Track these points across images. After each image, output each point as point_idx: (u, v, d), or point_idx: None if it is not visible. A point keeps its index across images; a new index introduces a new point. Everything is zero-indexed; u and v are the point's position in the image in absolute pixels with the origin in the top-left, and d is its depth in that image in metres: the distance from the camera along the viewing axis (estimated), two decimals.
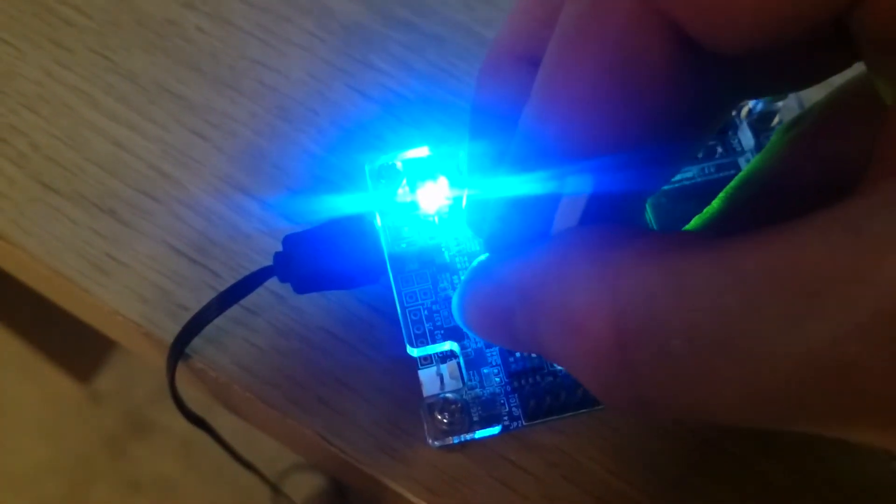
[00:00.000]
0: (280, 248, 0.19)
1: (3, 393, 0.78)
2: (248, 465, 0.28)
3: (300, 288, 0.19)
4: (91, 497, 0.75)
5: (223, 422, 0.24)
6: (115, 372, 0.78)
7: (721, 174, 0.20)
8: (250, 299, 0.20)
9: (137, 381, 0.77)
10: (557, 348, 0.11)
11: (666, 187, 0.20)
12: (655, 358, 0.10)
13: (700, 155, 0.20)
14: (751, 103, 0.20)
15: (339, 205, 0.21)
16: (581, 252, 0.11)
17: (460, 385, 0.18)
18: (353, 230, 0.19)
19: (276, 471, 0.59)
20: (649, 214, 0.20)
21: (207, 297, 0.20)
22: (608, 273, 0.10)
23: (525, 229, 0.13)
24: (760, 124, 0.21)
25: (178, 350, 0.19)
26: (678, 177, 0.20)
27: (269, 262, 0.20)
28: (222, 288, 0.20)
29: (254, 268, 0.20)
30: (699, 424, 0.19)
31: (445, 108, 0.23)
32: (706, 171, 0.20)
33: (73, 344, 0.74)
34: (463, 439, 0.18)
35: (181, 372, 0.20)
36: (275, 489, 0.45)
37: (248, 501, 0.71)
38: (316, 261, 0.18)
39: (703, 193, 0.20)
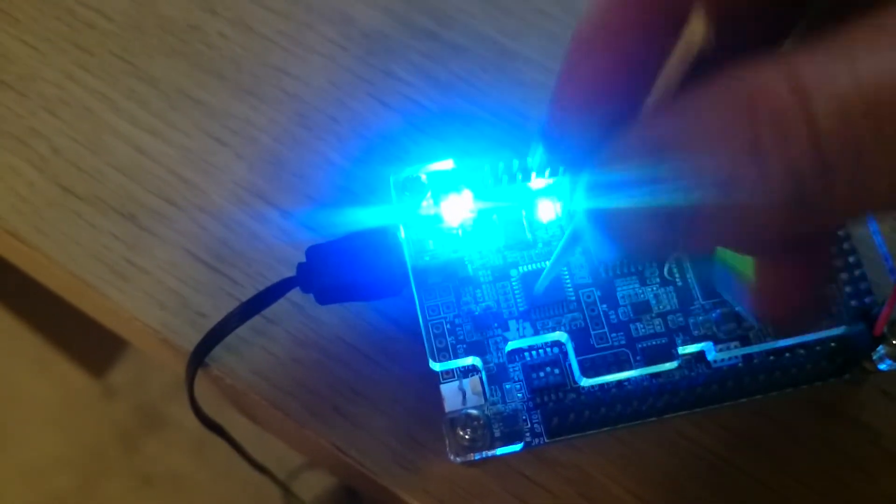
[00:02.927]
0: (300, 257, 0.19)
1: (17, 386, 0.78)
2: (261, 469, 0.28)
3: (323, 299, 0.19)
4: (103, 491, 0.76)
5: (235, 420, 0.23)
6: (129, 367, 0.79)
7: None
8: (270, 308, 0.20)
9: (151, 377, 0.78)
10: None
11: None
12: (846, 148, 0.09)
13: None
14: None
15: (361, 216, 0.21)
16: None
17: (483, 401, 0.18)
18: (377, 242, 0.19)
19: (286, 469, 0.59)
20: None
21: (226, 304, 0.20)
22: (783, 66, 0.10)
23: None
24: None
25: (199, 359, 0.19)
26: None
27: (288, 271, 0.19)
28: (241, 296, 0.20)
29: (273, 276, 0.20)
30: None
31: (466, 118, 0.22)
32: None
33: (87, 338, 0.75)
34: (484, 455, 0.18)
35: (203, 378, 0.20)
36: (286, 490, 0.45)
37: (260, 498, 0.71)
38: (339, 272, 0.18)
39: None
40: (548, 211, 0.20)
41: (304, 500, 0.50)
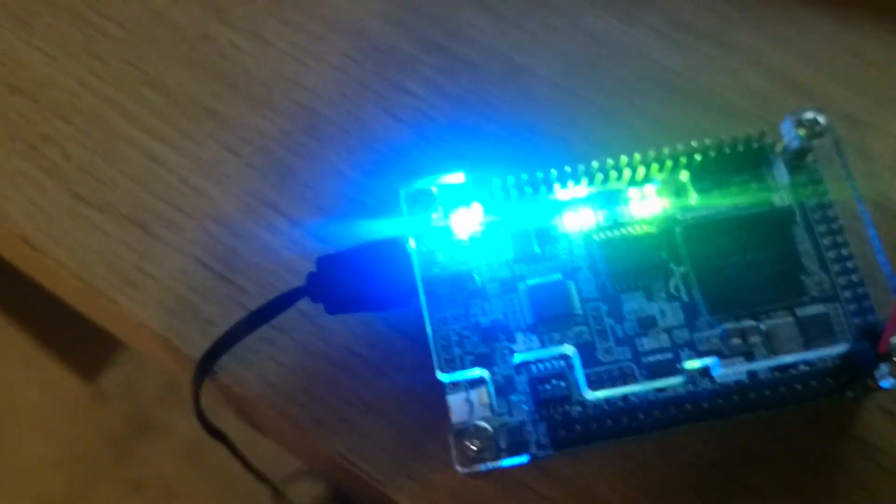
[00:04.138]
0: (310, 267, 0.19)
1: (8, 390, 0.78)
2: (260, 476, 0.28)
3: (332, 309, 0.19)
4: (94, 496, 0.75)
5: (227, 426, 0.23)
6: (121, 371, 0.78)
7: (754, 210, 0.20)
8: (278, 318, 0.20)
9: (143, 382, 0.77)
10: None
11: (700, 221, 0.20)
12: None
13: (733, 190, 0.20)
14: (785, 139, 0.20)
15: (371, 228, 0.21)
16: None
17: (490, 412, 0.18)
18: (386, 253, 0.19)
19: (279, 476, 0.59)
20: (681, 246, 0.20)
21: (235, 313, 0.20)
22: None
23: None
24: (795, 161, 0.21)
25: (206, 367, 0.19)
26: (712, 209, 0.20)
27: (297, 280, 0.20)
28: (250, 304, 0.20)
29: (283, 286, 0.20)
30: None
31: (476, 133, 0.23)
32: (740, 205, 0.20)
33: (79, 342, 0.74)
34: (490, 467, 0.18)
35: (209, 386, 0.20)
36: (280, 495, 0.45)
37: (251, 503, 0.71)
38: (350, 282, 0.19)
39: (736, 228, 0.20)
40: (556, 225, 0.20)
41: None
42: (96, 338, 0.73)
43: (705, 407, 0.18)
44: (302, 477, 0.62)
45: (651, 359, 0.19)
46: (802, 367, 0.19)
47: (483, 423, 0.18)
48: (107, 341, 0.77)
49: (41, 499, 0.75)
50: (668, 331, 0.19)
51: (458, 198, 0.20)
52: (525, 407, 0.19)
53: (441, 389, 0.19)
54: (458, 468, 0.18)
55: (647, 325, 0.19)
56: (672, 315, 0.19)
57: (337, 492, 0.67)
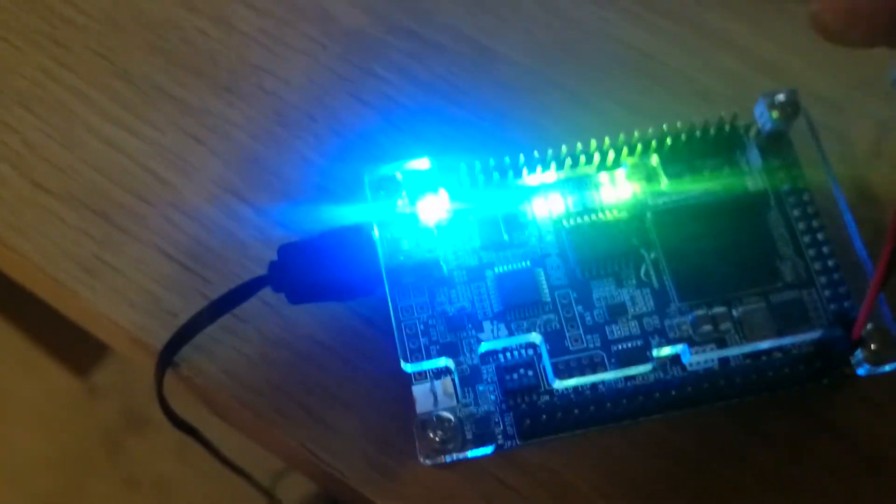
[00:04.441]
0: (275, 256, 0.19)
1: (0, 386, 0.78)
2: (238, 471, 0.27)
3: (294, 298, 0.19)
4: (87, 492, 0.75)
5: (217, 424, 0.23)
6: (113, 367, 0.78)
7: (727, 195, 0.20)
8: (241, 307, 0.19)
9: (136, 377, 0.77)
10: None
11: (671, 206, 0.19)
12: None
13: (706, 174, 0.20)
14: (759, 122, 0.20)
15: (336, 214, 0.21)
16: None
17: (454, 402, 0.18)
18: (350, 241, 0.18)
19: (269, 473, 0.58)
20: (652, 232, 0.19)
21: (198, 304, 0.20)
22: None
23: None
24: (769, 144, 0.20)
25: (167, 358, 0.19)
26: (684, 194, 0.20)
27: (262, 270, 0.19)
28: (213, 295, 0.20)
29: (247, 276, 0.20)
30: None
31: (447, 118, 0.22)
32: (712, 190, 0.20)
33: (71, 338, 0.74)
34: (455, 458, 0.18)
35: (172, 377, 0.20)
36: (266, 493, 0.45)
37: (244, 501, 0.71)
38: (311, 272, 0.18)
39: (709, 213, 0.19)
40: (524, 211, 0.20)
41: (286, 502, 0.49)
42: (87, 334, 0.73)
43: (675, 395, 0.18)
44: (294, 475, 0.62)
45: (621, 346, 0.18)
46: (776, 355, 0.19)
47: (447, 414, 0.18)
48: (98, 337, 0.77)
49: (34, 496, 0.74)
50: (639, 318, 0.19)
51: (423, 184, 0.19)
52: (492, 397, 0.18)
53: (406, 380, 0.19)
54: (422, 459, 0.18)
55: (616, 312, 0.19)
56: (642, 302, 0.19)
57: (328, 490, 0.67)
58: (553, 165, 0.19)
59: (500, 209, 0.20)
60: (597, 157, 0.19)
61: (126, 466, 0.75)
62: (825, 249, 0.19)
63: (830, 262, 0.19)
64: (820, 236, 0.19)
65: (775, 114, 0.20)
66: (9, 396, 0.77)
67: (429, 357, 0.18)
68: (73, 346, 0.75)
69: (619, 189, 0.20)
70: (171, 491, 0.74)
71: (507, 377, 0.18)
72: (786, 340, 0.18)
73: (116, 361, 0.78)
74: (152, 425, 0.76)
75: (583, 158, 0.19)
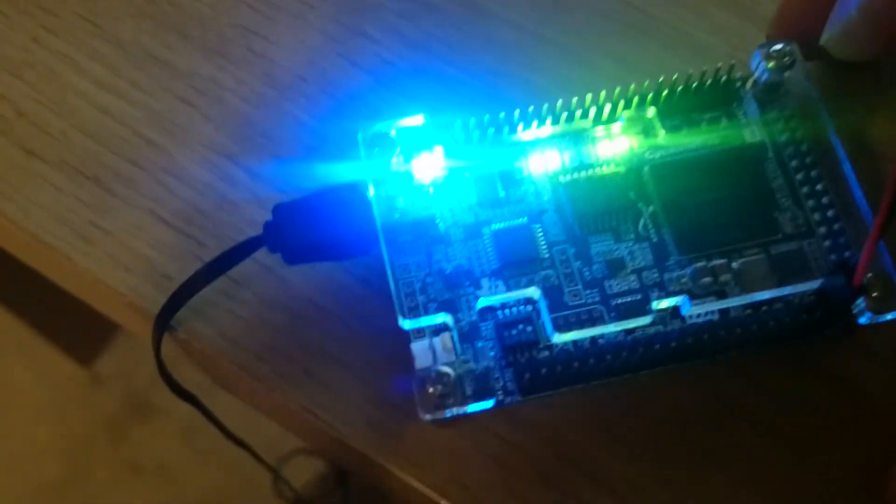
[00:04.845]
0: (270, 217, 0.19)
1: (4, 375, 0.78)
2: (241, 444, 0.27)
3: (290, 259, 0.19)
4: (91, 480, 0.75)
5: (223, 404, 0.23)
6: (116, 355, 0.78)
7: (725, 146, 0.19)
8: (237, 270, 0.19)
9: (139, 365, 0.77)
10: None
11: (668, 159, 0.19)
12: None
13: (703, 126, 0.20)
14: (756, 73, 0.20)
15: (330, 174, 0.20)
16: None
17: (453, 358, 0.18)
18: (345, 200, 0.18)
19: (276, 455, 0.58)
20: (650, 186, 0.19)
21: (193, 267, 0.19)
22: None
23: None
24: (766, 95, 0.20)
25: (164, 321, 0.19)
26: (682, 147, 0.19)
27: (256, 231, 0.19)
28: (208, 258, 0.20)
29: (241, 238, 0.20)
30: None
31: (438, 78, 0.22)
32: (710, 142, 0.19)
33: (74, 326, 0.74)
34: (455, 413, 0.17)
35: (174, 349, 0.20)
36: (272, 471, 0.45)
37: (250, 486, 0.71)
38: (307, 231, 0.18)
39: (707, 166, 0.19)
40: (520, 167, 0.19)
41: (293, 485, 0.50)
42: (91, 321, 0.73)
43: (674, 347, 0.18)
44: (300, 454, 0.62)
45: (620, 301, 0.18)
46: (777, 305, 0.18)
47: (446, 369, 0.17)
48: (101, 325, 0.77)
49: (39, 485, 0.75)
50: (638, 272, 0.18)
51: (418, 141, 0.19)
52: (491, 353, 0.18)
53: (406, 339, 0.18)
54: (422, 414, 0.17)
55: (615, 267, 0.19)
56: (641, 256, 0.19)
57: (335, 469, 0.67)
58: (549, 120, 0.19)
59: (496, 166, 0.19)
60: (592, 111, 0.19)
61: (130, 453, 0.75)
62: (824, 200, 0.19)
63: (829, 213, 0.19)
64: (819, 187, 0.19)
65: (772, 64, 0.19)
66: (12, 385, 0.77)
67: (427, 314, 0.18)
68: (76, 335, 0.75)
69: (615, 143, 0.20)
70: (175, 477, 0.75)
71: (506, 333, 0.18)
72: (786, 290, 0.18)
73: (119, 349, 0.78)
74: (155, 412, 0.76)
75: (578, 113, 0.19)
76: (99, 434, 0.76)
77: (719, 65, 0.19)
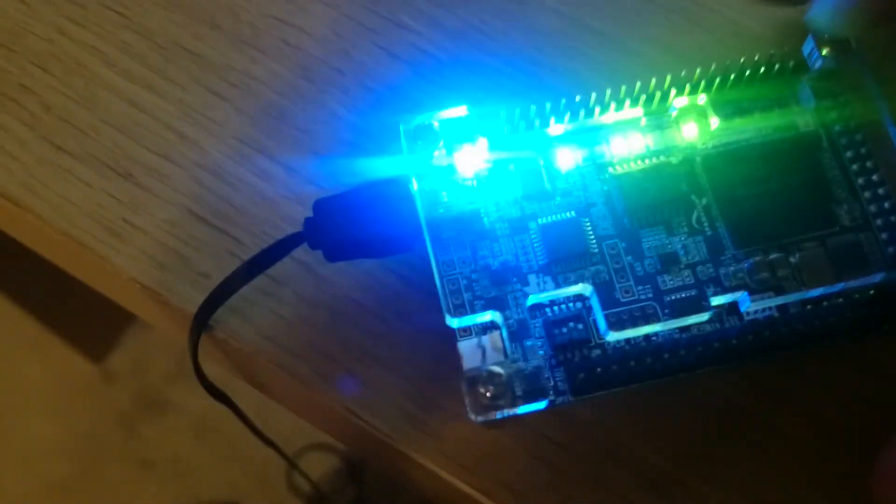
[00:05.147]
0: (305, 214, 0.18)
1: (15, 372, 0.77)
2: (268, 442, 0.27)
3: (331, 256, 0.18)
4: (104, 476, 0.75)
5: (239, 399, 0.23)
6: (128, 351, 0.78)
7: (779, 135, 0.19)
8: (275, 268, 0.19)
9: (151, 361, 0.77)
10: None
11: (721, 149, 0.19)
12: None
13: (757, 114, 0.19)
14: (809, 61, 0.19)
15: (368, 168, 0.20)
16: None
17: (503, 357, 0.17)
18: (388, 194, 0.18)
19: (291, 449, 0.58)
20: (702, 178, 0.18)
21: (229, 264, 0.19)
22: None
23: None
24: (820, 83, 0.19)
25: (203, 319, 0.18)
26: (734, 137, 0.19)
27: (293, 228, 0.18)
28: (244, 255, 0.19)
29: (278, 234, 0.19)
30: None
31: (477, 68, 0.21)
32: (763, 132, 0.19)
33: (85, 323, 0.74)
34: (506, 414, 0.17)
35: (207, 342, 0.19)
36: (292, 466, 0.44)
37: (263, 481, 0.71)
38: (349, 227, 0.17)
39: (760, 156, 0.19)
40: (567, 159, 0.19)
41: (311, 477, 0.49)
42: (102, 318, 0.73)
43: (735, 345, 0.17)
44: (316, 448, 0.62)
45: (674, 297, 0.18)
46: (836, 301, 0.18)
47: (497, 368, 0.17)
48: (113, 321, 0.77)
49: (51, 482, 0.75)
50: (692, 267, 0.18)
51: (461, 133, 0.18)
52: (541, 352, 0.18)
53: (449, 337, 0.18)
54: (473, 416, 0.17)
55: (668, 261, 0.18)
56: (695, 250, 0.18)
57: (349, 464, 0.67)
58: (597, 110, 0.19)
59: (542, 157, 0.19)
60: (642, 100, 0.19)
61: (141, 449, 0.75)
62: (881, 191, 0.18)
63: (887, 204, 0.18)
64: (875, 177, 0.18)
65: (825, 50, 0.19)
66: (24, 382, 0.77)
67: (473, 312, 0.17)
68: (88, 332, 0.75)
69: (666, 133, 0.19)
70: (188, 473, 0.74)
71: (556, 331, 0.18)
72: (846, 285, 0.17)
73: (131, 346, 0.77)
74: (167, 408, 0.76)
75: (627, 102, 0.19)
76: (111, 430, 0.76)
77: (772, 52, 0.19)
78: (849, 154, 0.19)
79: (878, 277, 0.17)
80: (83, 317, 0.71)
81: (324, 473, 0.68)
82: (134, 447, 0.75)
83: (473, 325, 0.18)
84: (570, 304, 0.18)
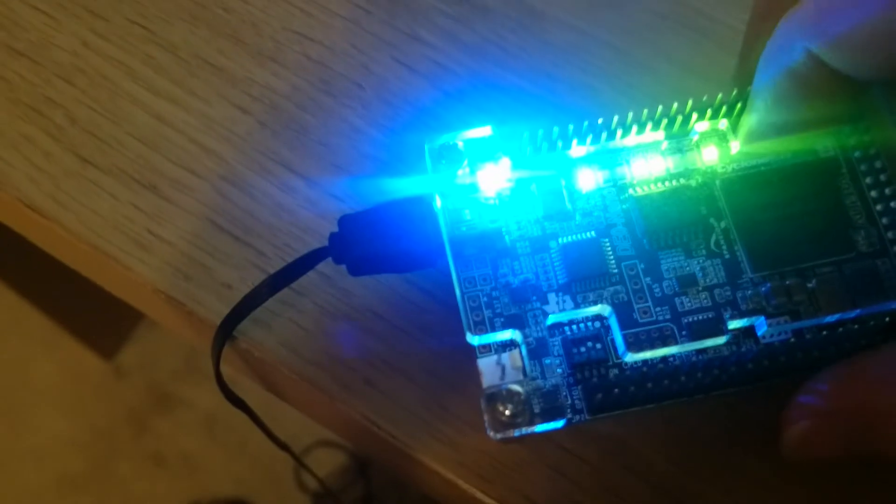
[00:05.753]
0: (327, 227, 0.19)
1: (27, 368, 0.78)
2: (282, 446, 0.27)
3: (355, 270, 0.18)
4: (114, 472, 0.76)
5: (246, 394, 0.23)
6: (139, 347, 0.78)
7: (798, 160, 0.19)
8: (298, 280, 0.19)
9: (161, 357, 0.77)
10: None
11: (740, 173, 0.19)
12: None
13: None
14: None
15: (391, 185, 0.20)
16: None
17: (522, 376, 0.17)
18: (412, 212, 0.18)
19: (299, 446, 0.58)
20: (721, 201, 0.19)
21: (252, 275, 0.19)
22: None
23: None
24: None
25: (227, 331, 0.19)
26: (754, 161, 0.19)
27: (315, 241, 0.19)
28: (268, 267, 0.19)
29: (301, 248, 0.19)
30: None
31: (495, 84, 0.22)
32: (783, 156, 0.19)
33: (97, 319, 0.74)
34: (524, 433, 0.17)
35: (229, 351, 0.20)
36: (300, 464, 0.45)
37: (271, 477, 0.71)
38: (374, 242, 0.18)
39: (778, 180, 0.19)
40: (588, 180, 0.19)
41: (317, 476, 0.50)
42: (114, 315, 0.74)
43: (750, 368, 0.17)
44: (322, 446, 0.62)
45: (692, 318, 0.18)
46: (852, 327, 0.18)
47: (516, 387, 0.17)
48: (124, 318, 0.77)
49: (63, 476, 0.75)
50: (710, 289, 0.18)
51: (485, 152, 0.19)
52: (559, 371, 0.18)
53: (468, 352, 0.18)
54: (491, 434, 0.17)
55: (686, 283, 0.18)
56: (713, 273, 0.18)
57: (356, 461, 0.67)
58: (619, 133, 0.19)
59: (564, 177, 0.19)
60: (664, 124, 0.19)
61: (153, 445, 0.76)
62: None
63: None
64: (893, 204, 0.19)
65: None
66: (35, 379, 0.78)
67: (493, 329, 0.18)
68: (99, 328, 0.75)
69: (686, 156, 0.19)
70: (198, 469, 0.75)
71: (575, 350, 0.18)
72: (862, 311, 0.18)
73: (141, 342, 0.78)
74: (178, 404, 0.76)
75: (649, 126, 0.19)
76: (121, 426, 0.77)
77: None
78: (868, 180, 0.19)
79: (894, 304, 0.17)
80: (94, 314, 0.72)
81: (332, 470, 0.68)
82: (144, 443, 0.76)
83: (493, 343, 0.18)
84: (589, 324, 0.18)
